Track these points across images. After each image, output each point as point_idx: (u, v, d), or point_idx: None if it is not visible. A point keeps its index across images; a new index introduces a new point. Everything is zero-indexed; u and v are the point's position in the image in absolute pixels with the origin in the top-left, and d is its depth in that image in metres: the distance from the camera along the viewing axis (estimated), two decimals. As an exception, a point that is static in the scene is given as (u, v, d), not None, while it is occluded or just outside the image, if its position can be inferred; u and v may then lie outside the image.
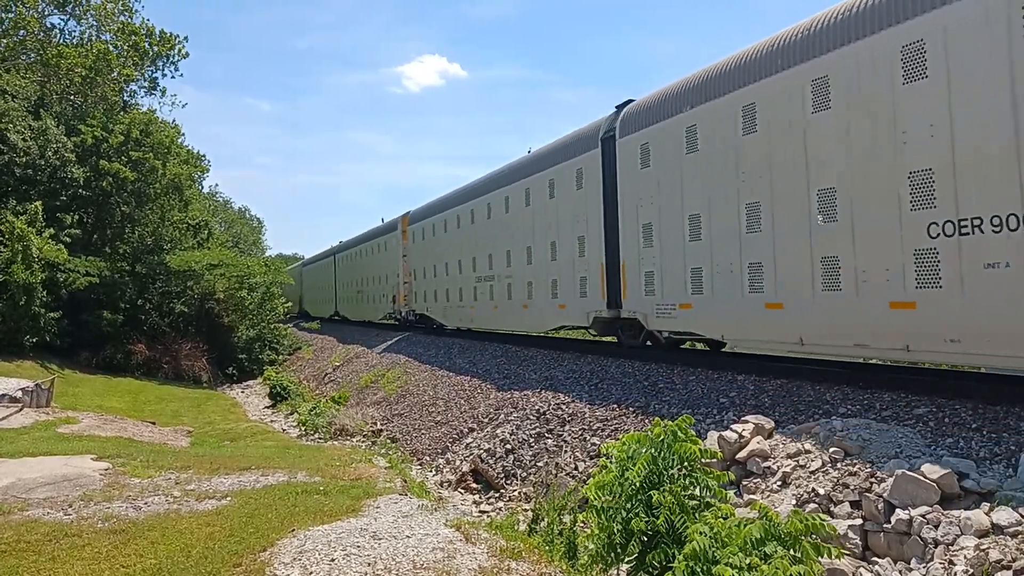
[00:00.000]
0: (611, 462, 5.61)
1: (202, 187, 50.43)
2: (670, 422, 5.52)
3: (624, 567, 5.55)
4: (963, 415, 7.71)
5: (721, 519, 4.65)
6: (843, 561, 5.66)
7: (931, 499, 6.07)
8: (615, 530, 5.00)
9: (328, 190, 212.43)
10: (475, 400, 15.87)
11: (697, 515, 4.90)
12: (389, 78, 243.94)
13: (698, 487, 5.26)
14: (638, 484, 5.12)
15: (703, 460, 5.43)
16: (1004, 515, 5.62)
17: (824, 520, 4.56)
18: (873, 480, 6.67)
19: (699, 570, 4.22)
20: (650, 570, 4.80)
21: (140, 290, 30.56)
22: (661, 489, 5.01)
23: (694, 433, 5.58)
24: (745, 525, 4.51)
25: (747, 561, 4.12)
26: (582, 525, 7.44)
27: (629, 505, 5.08)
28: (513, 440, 12.49)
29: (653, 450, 5.35)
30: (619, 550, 5.05)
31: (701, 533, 4.43)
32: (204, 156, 36.93)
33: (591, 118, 23.08)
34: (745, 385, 10.78)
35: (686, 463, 5.28)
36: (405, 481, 9.39)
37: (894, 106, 8.64)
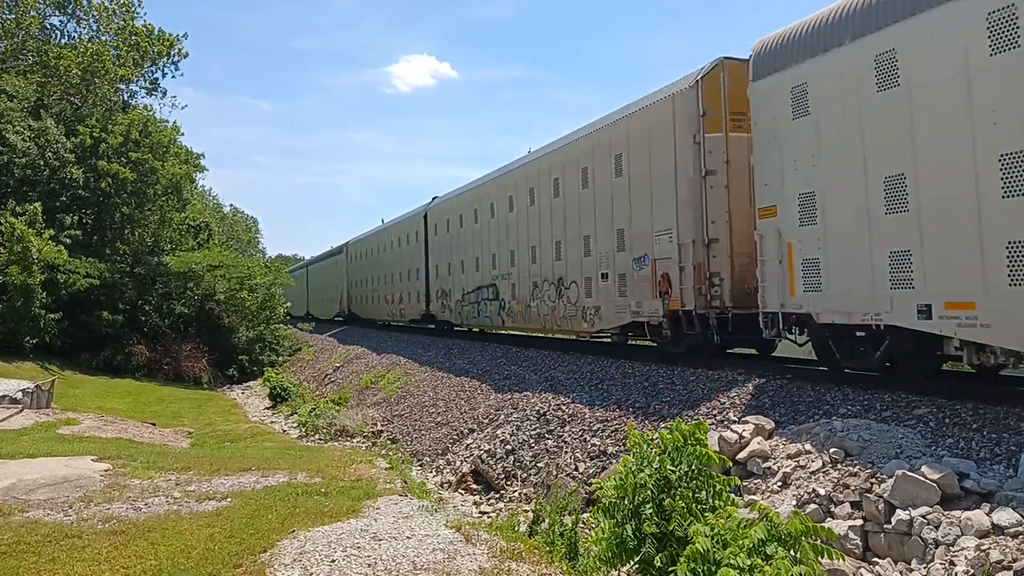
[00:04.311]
0: (631, 457, 5.58)
1: (199, 186, 50.11)
2: (685, 425, 5.50)
3: (623, 568, 5.54)
4: (963, 415, 7.71)
5: (722, 520, 4.64)
6: (844, 562, 5.65)
7: (932, 499, 6.07)
8: (628, 533, 4.98)
9: (328, 190, 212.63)
10: (475, 401, 15.86)
11: (703, 516, 4.90)
12: (379, 78, 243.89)
13: (705, 490, 5.26)
14: (651, 486, 5.11)
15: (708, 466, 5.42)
16: (1005, 515, 5.62)
17: (822, 526, 4.57)
18: (873, 480, 6.67)
19: (700, 571, 4.22)
20: (654, 572, 4.80)
21: (140, 291, 30.56)
22: (672, 493, 5.01)
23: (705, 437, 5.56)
24: (746, 526, 4.51)
25: (749, 562, 4.12)
26: (583, 527, 7.43)
27: (641, 508, 5.07)
28: (513, 441, 12.49)
29: (665, 453, 5.34)
30: (627, 553, 5.03)
31: (703, 534, 4.42)
32: (201, 155, 36.75)
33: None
34: (745, 386, 10.78)
35: (695, 467, 5.28)
36: (405, 482, 9.40)
37: None
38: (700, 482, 5.25)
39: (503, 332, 23.20)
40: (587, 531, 8.19)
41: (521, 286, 19.29)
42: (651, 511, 4.96)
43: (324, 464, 9.97)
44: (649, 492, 5.09)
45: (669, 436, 5.39)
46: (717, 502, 5.20)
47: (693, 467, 5.26)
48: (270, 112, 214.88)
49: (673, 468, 5.19)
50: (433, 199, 28.52)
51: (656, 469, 5.21)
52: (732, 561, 4.14)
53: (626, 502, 5.23)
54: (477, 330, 25.55)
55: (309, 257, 64.60)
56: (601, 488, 5.61)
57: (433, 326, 28.27)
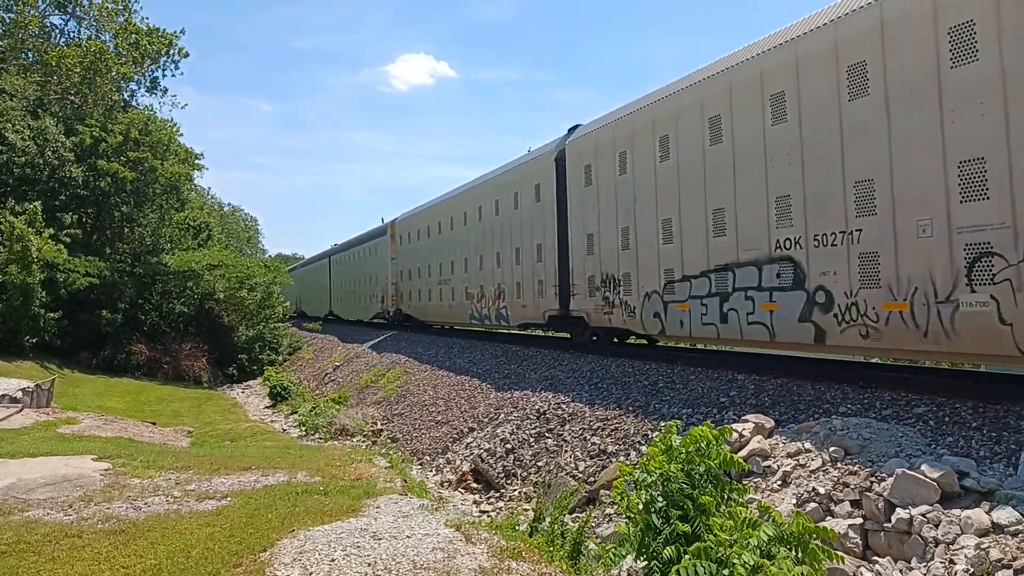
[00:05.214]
0: (661, 445, 5.55)
1: (197, 185, 49.70)
2: (710, 430, 5.50)
3: (627, 563, 5.53)
4: (963, 414, 7.71)
5: (729, 520, 4.63)
6: (844, 562, 5.65)
7: (931, 498, 6.07)
8: (657, 526, 4.96)
9: (328, 190, 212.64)
10: (475, 400, 15.87)
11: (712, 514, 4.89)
12: (377, 77, 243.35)
13: (720, 491, 5.25)
14: (683, 480, 5.10)
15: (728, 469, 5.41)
16: (1004, 514, 5.62)
17: (822, 527, 4.56)
18: (873, 479, 6.67)
19: (703, 569, 4.20)
20: (659, 567, 4.79)
21: (140, 290, 30.60)
22: (699, 492, 5.01)
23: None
24: (749, 525, 4.50)
25: (753, 562, 4.11)
26: (590, 523, 7.43)
27: (673, 502, 5.06)
28: (513, 440, 12.49)
29: (696, 451, 5.32)
30: (648, 547, 5.01)
31: (710, 532, 4.42)
32: (201, 154, 36.79)
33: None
34: (745, 384, 10.78)
35: (719, 467, 5.28)
36: (405, 481, 9.39)
37: None
38: (716, 483, 5.25)
39: (820, 355, 11.64)
40: (587, 530, 8.19)
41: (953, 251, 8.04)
42: (683, 505, 4.94)
43: (324, 463, 9.97)
44: (681, 485, 5.07)
45: (700, 435, 5.38)
46: (727, 505, 5.20)
47: (719, 467, 5.27)
48: (270, 112, 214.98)
49: (708, 462, 5.19)
50: (572, 130, 17.11)
51: (688, 462, 5.20)
52: (737, 560, 4.14)
53: (656, 494, 5.21)
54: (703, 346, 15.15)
55: (332, 245, 50.78)
56: (644, 468, 5.56)
57: (569, 335, 17.82)
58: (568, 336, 17.96)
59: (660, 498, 5.10)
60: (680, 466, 5.20)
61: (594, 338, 16.47)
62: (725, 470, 5.29)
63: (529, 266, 18.76)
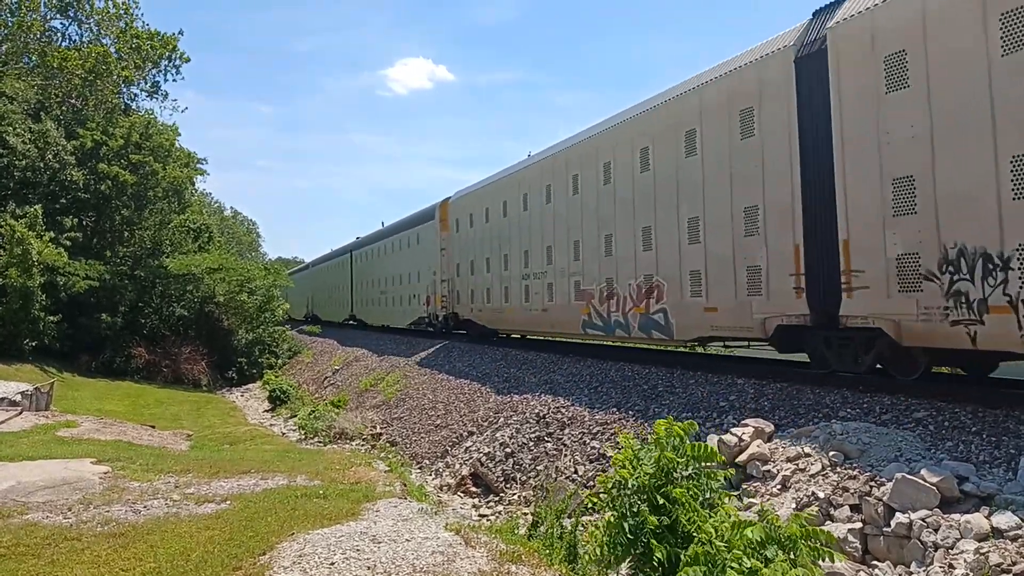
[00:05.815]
0: (629, 451, 5.56)
1: (200, 189, 49.62)
2: (677, 424, 5.49)
3: (624, 568, 5.53)
4: (963, 418, 7.72)
5: (724, 523, 4.63)
6: (843, 564, 5.65)
7: (931, 503, 6.07)
8: (627, 526, 4.96)
9: (328, 192, 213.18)
10: (475, 404, 15.86)
11: (710, 513, 4.89)
12: (376, 81, 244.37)
13: (707, 489, 5.25)
14: (654, 476, 5.10)
15: (709, 463, 5.41)
16: (1004, 519, 5.63)
17: (820, 529, 4.57)
18: (873, 484, 6.67)
19: (703, 573, 4.20)
20: (649, 570, 4.78)
21: (140, 293, 30.59)
22: (673, 485, 5.00)
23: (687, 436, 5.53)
24: (744, 526, 4.50)
25: (748, 564, 4.12)
26: (582, 529, 7.42)
27: (645, 498, 5.05)
28: (513, 444, 12.49)
29: (668, 448, 5.32)
30: (622, 548, 5.01)
31: (708, 534, 4.42)
32: (204, 159, 36.85)
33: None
34: (745, 389, 10.78)
35: (695, 463, 5.27)
36: (405, 485, 9.39)
37: None
38: (699, 481, 5.24)
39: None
40: (586, 533, 8.20)
41: None
42: (657, 501, 4.93)
43: (323, 467, 9.96)
44: (650, 481, 5.07)
45: (664, 431, 5.37)
46: (717, 499, 5.19)
47: (696, 461, 5.26)
48: (270, 114, 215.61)
49: (676, 458, 5.18)
50: (823, 10, 10.26)
51: (658, 460, 5.19)
52: (734, 564, 4.14)
53: (626, 496, 5.21)
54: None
55: (356, 239, 42.73)
56: (603, 483, 5.58)
57: (808, 357, 10.95)
58: (807, 359, 11.05)
59: (636, 500, 5.10)
60: (651, 467, 5.19)
61: (879, 365, 9.85)
62: (712, 462, 5.28)
63: (721, 244, 11.82)
